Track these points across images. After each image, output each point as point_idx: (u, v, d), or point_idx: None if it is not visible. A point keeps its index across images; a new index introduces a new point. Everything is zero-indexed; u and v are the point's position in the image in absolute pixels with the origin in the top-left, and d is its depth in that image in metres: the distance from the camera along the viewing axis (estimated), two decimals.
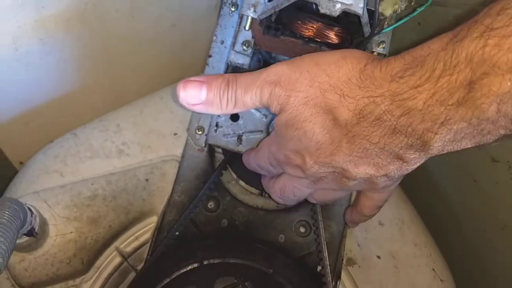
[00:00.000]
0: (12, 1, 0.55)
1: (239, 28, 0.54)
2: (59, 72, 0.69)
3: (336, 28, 0.48)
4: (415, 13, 0.49)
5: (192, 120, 0.60)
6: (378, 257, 0.65)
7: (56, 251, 0.57)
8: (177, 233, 0.60)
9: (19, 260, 0.56)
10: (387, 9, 0.49)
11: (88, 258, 0.59)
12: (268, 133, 0.57)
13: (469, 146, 0.37)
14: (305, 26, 0.48)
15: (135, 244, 0.62)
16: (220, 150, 0.64)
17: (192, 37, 0.75)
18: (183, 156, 0.62)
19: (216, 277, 0.57)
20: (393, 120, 0.38)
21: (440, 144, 0.37)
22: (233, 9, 0.58)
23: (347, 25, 0.49)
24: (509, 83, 0.32)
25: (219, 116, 0.58)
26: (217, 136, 0.59)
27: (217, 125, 0.59)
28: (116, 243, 0.61)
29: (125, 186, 0.61)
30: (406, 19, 0.50)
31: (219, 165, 0.62)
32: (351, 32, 0.49)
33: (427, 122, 0.36)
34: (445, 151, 0.38)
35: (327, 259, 0.59)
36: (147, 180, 0.62)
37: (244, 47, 0.54)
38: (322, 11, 0.45)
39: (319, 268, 0.60)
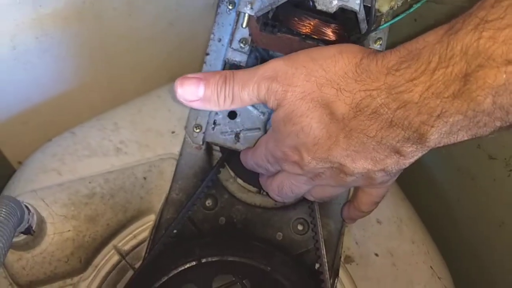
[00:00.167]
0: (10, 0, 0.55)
1: (236, 25, 0.54)
2: (57, 71, 0.69)
3: (333, 25, 0.48)
4: (412, 10, 0.49)
5: (189, 118, 0.60)
6: (376, 254, 0.65)
7: (54, 249, 0.57)
8: (175, 231, 0.60)
9: (17, 258, 0.56)
10: (383, 5, 0.49)
11: (86, 257, 0.59)
12: (265, 131, 0.57)
13: (466, 138, 0.37)
14: (302, 23, 0.48)
15: (133, 242, 0.61)
16: (218, 148, 0.64)
17: (189, 35, 0.76)
18: (181, 154, 0.62)
19: (214, 275, 0.57)
20: (390, 113, 0.38)
21: (436, 136, 0.37)
22: (230, 7, 0.58)
23: (344, 21, 0.49)
24: (504, 76, 0.32)
25: (216, 113, 0.59)
26: (214, 134, 0.59)
27: (214, 123, 0.59)
28: (114, 242, 0.61)
29: (123, 184, 0.61)
30: (402, 15, 0.50)
31: (217, 163, 0.62)
32: (348, 29, 0.49)
33: (423, 115, 0.36)
34: (442, 144, 0.38)
35: (325, 257, 0.59)
36: (145, 178, 0.62)
37: (241, 45, 0.54)
38: (318, 7, 0.46)
39: (317, 265, 0.60)
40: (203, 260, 0.56)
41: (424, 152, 0.40)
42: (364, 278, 0.63)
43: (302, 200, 0.61)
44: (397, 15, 0.51)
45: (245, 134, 0.58)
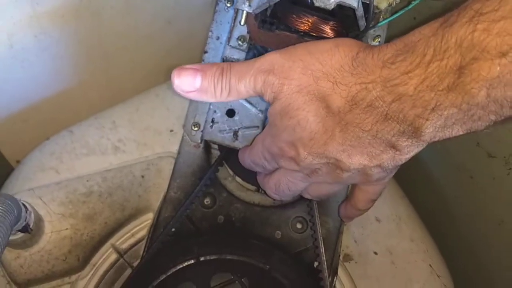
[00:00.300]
0: None
1: (234, 23, 0.54)
2: (55, 69, 0.69)
3: (331, 22, 0.48)
4: (410, 6, 0.49)
5: (188, 117, 0.60)
6: (375, 253, 0.65)
7: (52, 247, 0.57)
8: (173, 229, 0.60)
9: (15, 257, 0.56)
10: (382, 2, 0.49)
11: (84, 255, 0.59)
12: (264, 129, 0.57)
13: (461, 133, 0.37)
14: (300, 20, 0.48)
15: (131, 240, 0.61)
16: (216, 146, 0.64)
17: (187, 33, 0.75)
18: (179, 152, 0.62)
19: (212, 273, 0.57)
20: (385, 106, 0.38)
21: (431, 130, 0.37)
22: (228, 5, 0.58)
23: (342, 18, 0.49)
24: (498, 68, 0.32)
25: (215, 112, 0.58)
26: (213, 132, 0.59)
27: (213, 121, 0.59)
28: (112, 240, 0.61)
29: (121, 182, 0.61)
30: (401, 12, 0.50)
31: (215, 161, 0.62)
32: (346, 26, 0.49)
33: (418, 108, 0.36)
34: (437, 138, 0.38)
35: (324, 255, 0.59)
36: (143, 176, 0.62)
37: (240, 42, 0.54)
38: (317, 4, 0.46)
39: (316, 264, 0.60)
40: (202, 259, 0.56)
41: (420, 148, 0.40)
42: (363, 277, 0.63)
43: (301, 199, 0.61)
44: (396, 12, 0.51)
45: (244, 132, 0.58)
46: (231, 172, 0.63)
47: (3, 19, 0.58)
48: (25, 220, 0.51)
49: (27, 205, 0.52)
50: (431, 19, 0.37)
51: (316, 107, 0.42)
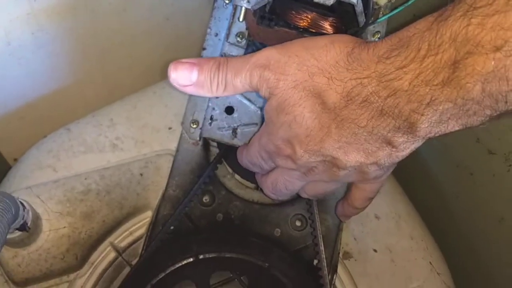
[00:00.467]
0: None
1: (233, 19, 0.53)
2: (52, 66, 0.69)
3: (330, 18, 0.48)
4: (410, 3, 0.48)
5: (186, 114, 0.60)
6: (375, 250, 0.64)
7: (50, 246, 0.57)
8: (172, 227, 0.59)
9: (12, 255, 0.56)
10: None
11: (82, 254, 0.59)
12: None
13: (456, 128, 0.37)
14: (299, 16, 0.48)
15: (130, 239, 0.61)
16: (215, 144, 0.63)
17: (186, 30, 0.75)
18: (177, 150, 0.62)
19: (211, 271, 0.57)
20: (380, 101, 0.38)
21: (426, 125, 0.37)
22: (227, 1, 0.58)
23: (341, 14, 0.48)
24: (493, 62, 0.31)
25: (214, 109, 0.58)
26: (211, 130, 0.59)
27: (211, 119, 0.58)
28: (110, 238, 0.60)
29: (119, 180, 0.61)
30: (401, 8, 0.49)
31: (214, 159, 0.62)
32: (346, 22, 0.49)
33: (413, 103, 0.36)
34: (433, 134, 0.38)
35: (324, 253, 0.59)
36: (141, 174, 0.62)
37: (238, 39, 0.54)
38: (316, 0, 0.45)
39: (315, 261, 0.60)
40: (201, 257, 0.56)
41: (416, 145, 0.40)
42: (363, 274, 0.63)
43: (300, 196, 0.61)
44: (395, 8, 0.50)
45: (243, 130, 0.58)
46: (230, 170, 0.63)
47: (1, 16, 0.57)
48: (23, 219, 0.50)
49: (24, 203, 0.52)
50: None
51: (311, 103, 0.42)
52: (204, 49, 0.59)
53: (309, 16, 0.48)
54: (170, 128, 0.64)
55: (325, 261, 0.59)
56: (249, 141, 0.55)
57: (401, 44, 0.37)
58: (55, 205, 0.58)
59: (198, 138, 0.60)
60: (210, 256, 0.56)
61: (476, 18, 0.32)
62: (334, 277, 0.61)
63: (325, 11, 0.48)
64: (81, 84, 0.75)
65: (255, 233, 0.61)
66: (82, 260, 0.59)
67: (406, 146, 0.40)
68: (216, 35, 0.58)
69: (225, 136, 0.58)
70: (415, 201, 0.71)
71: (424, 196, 0.76)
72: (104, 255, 0.60)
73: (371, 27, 0.53)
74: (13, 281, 0.57)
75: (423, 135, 0.38)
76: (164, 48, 0.78)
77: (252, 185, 0.63)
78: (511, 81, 0.32)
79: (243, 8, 0.51)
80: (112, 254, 0.60)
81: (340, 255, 0.63)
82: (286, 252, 0.60)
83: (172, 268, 0.55)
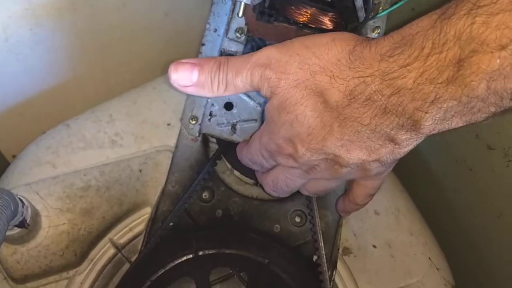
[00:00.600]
0: None
1: (232, 14, 0.53)
2: (51, 62, 0.69)
3: (330, 14, 0.48)
4: None
5: (185, 110, 0.59)
6: (374, 246, 0.64)
7: (49, 243, 0.57)
8: (171, 223, 0.59)
9: (11, 252, 0.56)
10: None
11: (81, 250, 0.59)
12: (262, 122, 0.57)
13: (460, 125, 0.37)
14: (299, 12, 0.48)
15: (129, 235, 0.61)
16: (214, 140, 0.63)
17: (185, 26, 0.75)
18: (176, 146, 0.62)
19: (211, 267, 0.57)
20: (384, 99, 0.38)
21: (430, 123, 0.37)
22: None
23: (341, 10, 0.48)
24: (498, 61, 0.31)
25: (213, 105, 0.58)
26: (211, 126, 0.58)
27: (211, 114, 0.58)
28: (109, 235, 0.60)
29: (118, 177, 0.61)
30: (401, 3, 0.49)
31: (213, 155, 0.62)
32: (345, 17, 0.49)
33: (417, 101, 0.36)
34: (436, 131, 0.38)
35: (323, 249, 0.59)
36: (140, 170, 0.62)
37: (238, 34, 0.54)
38: None
39: (315, 257, 0.60)
40: (200, 253, 0.56)
41: (418, 141, 0.40)
42: (362, 270, 0.63)
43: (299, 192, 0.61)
44: (395, 3, 0.50)
45: (242, 126, 0.58)
46: (229, 166, 0.63)
47: None
48: (22, 215, 0.50)
49: (23, 200, 0.52)
50: (430, 11, 0.37)
51: (313, 101, 0.42)
52: (203, 44, 0.58)
53: (309, 11, 0.48)
54: (169, 124, 0.64)
55: (324, 257, 0.59)
56: (249, 137, 0.55)
57: (404, 42, 0.37)
58: (55, 202, 0.58)
59: (197, 134, 0.60)
60: (210, 252, 0.56)
61: (481, 17, 0.32)
62: (334, 273, 0.61)
63: (324, 6, 0.48)
64: (80, 80, 0.74)
65: (254, 229, 0.61)
66: (81, 256, 0.59)
67: (409, 143, 0.40)
68: (215, 30, 0.58)
69: (224, 132, 0.58)
70: (414, 197, 0.71)
71: (424, 191, 0.76)
72: (103, 252, 0.60)
73: (371, 22, 0.53)
74: (12, 278, 0.57)
75: (427, 132, 0.38)
76: (163, 43, 0.77)
77: (252, 181, 0.63)
78: None
79: (243, 4, 0.51)
80: (112, 251, 0.60)
81: (340, 251, 0.63)
82: (286, 248, 0.60)
83: (172, 264, 0.55)
